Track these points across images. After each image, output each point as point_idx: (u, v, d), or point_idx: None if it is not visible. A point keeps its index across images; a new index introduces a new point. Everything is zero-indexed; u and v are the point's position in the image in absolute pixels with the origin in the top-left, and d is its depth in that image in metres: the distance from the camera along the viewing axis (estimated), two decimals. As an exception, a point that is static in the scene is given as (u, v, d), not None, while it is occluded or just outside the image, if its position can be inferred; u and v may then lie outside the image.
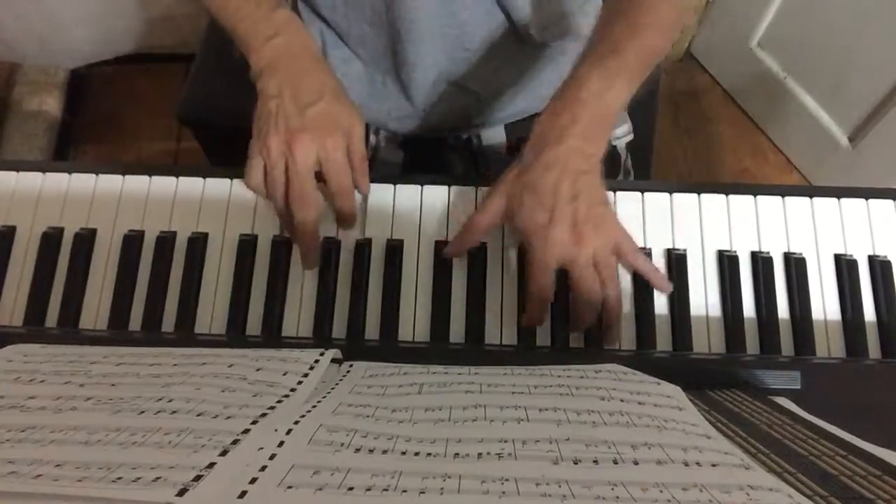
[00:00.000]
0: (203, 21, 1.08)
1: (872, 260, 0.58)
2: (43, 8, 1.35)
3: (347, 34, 0.71)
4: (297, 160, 0.54)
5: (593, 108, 0.53)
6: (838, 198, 0.60)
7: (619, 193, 0.60)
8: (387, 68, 0.72)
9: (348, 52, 0.73)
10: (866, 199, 0.60)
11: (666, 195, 0.60)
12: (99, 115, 1.59)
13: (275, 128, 0.54)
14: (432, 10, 0.64)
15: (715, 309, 0.57)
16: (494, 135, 0.79)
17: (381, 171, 0.81)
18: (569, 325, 0.56)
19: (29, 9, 1.35)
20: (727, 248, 0.59)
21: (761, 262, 0.58)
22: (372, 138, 0.82)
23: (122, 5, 1.41)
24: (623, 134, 0.83)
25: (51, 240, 0.59)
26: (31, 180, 0.61)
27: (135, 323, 0.57)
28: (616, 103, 0.55)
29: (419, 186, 0.61)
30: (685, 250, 0.58)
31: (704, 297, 0.57)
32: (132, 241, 0.59)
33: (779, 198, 0.60)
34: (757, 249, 0.59)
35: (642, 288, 0.57)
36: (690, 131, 1.63)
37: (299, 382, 0.39)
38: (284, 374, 0.40)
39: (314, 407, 0.36)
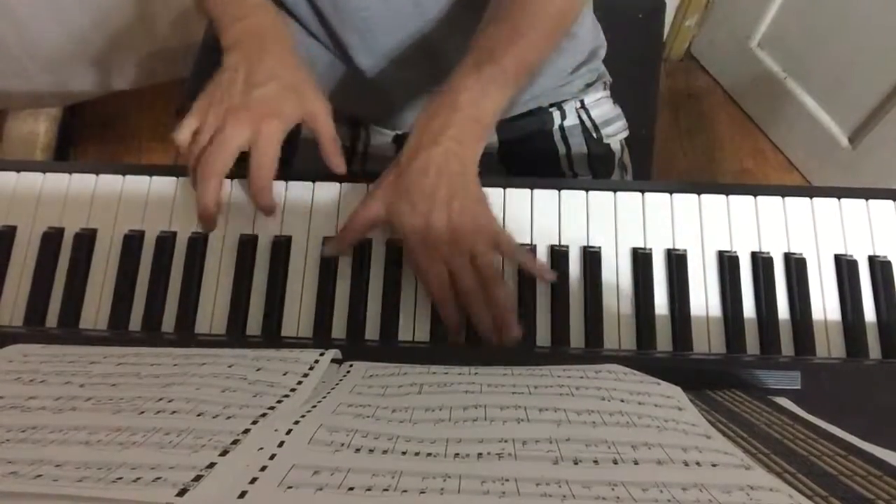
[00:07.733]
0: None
1: (872, 260, 0.58)
2: (27, 43, 1.25)
3: (310, 28, 0.71)
4: (224, 135, 0.55)
5: (468, 114, 0.54)
6: (838, 198, 0.60)
7: (619, 193, 0.60)
8: (354, 66, 0.72)
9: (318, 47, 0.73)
10: (866, 199, 0.60)
11: (666, 195, 0.60)
12: (99, 115, 1.59)
13: (219, 99, 0.55)
14: (382, 4, 0.64)
15: (715, 309, 0.57)
16: None
17: (376, 166, 0.81)
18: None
19: (11, 44, 1.24)
20: (727, 248, 0.59)
21: (761, 263, 0.58)
22: (363, 133, 0.82)
23: (116, 40, 1.33)
24: (616, 132, 0.83)
25: (51, 240, 0.59)
26: (32, 180, 0.61)
27: (135, 323, 0.57)
28: (492, 110, 0.56)
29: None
30: (685, 250, 0.58)
31: (704, 298, 0.57)
32: (132, 241, 0.59)
33: (779, 198, 0.60)
34: (757, 249, 0.59)
35: (643, 288, 0.57)
36: (690, 131, 1.63)
37: (299, 382, 0.39)
38: (284, 374, 0.40)
39: (314, 407, 0.36)
